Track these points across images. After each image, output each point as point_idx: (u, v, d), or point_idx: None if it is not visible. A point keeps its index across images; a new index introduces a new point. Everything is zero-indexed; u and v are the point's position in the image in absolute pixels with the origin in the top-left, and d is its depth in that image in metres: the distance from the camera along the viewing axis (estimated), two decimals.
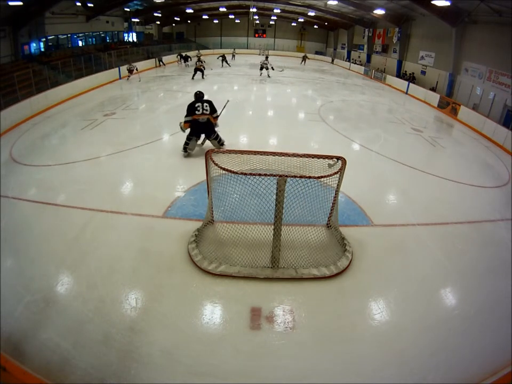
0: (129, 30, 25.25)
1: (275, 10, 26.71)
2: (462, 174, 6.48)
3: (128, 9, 22.91)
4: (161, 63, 20.62)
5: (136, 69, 15.55)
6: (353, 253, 3.74)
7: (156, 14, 25.71)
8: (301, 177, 3.35)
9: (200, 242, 3.73)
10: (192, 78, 15.52)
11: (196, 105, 5.92)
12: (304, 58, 26.65)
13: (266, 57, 17.58)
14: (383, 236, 4.25)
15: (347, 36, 27.66)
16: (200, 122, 5.96)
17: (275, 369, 2.53)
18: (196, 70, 15.73)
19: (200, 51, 23.63)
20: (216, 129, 6.29)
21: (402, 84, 17.02)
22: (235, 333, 2.80)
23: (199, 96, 6.11)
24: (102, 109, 9.98)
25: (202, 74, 15.79)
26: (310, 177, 3.33)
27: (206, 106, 5.98)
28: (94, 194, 4.84)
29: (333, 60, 30.26)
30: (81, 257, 3.55)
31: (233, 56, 27.18)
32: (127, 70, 15.31)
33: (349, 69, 25.25)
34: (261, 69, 17.33)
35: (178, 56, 21.87)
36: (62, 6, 15.47)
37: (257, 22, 33.29)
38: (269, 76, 17.06)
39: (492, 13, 10.63)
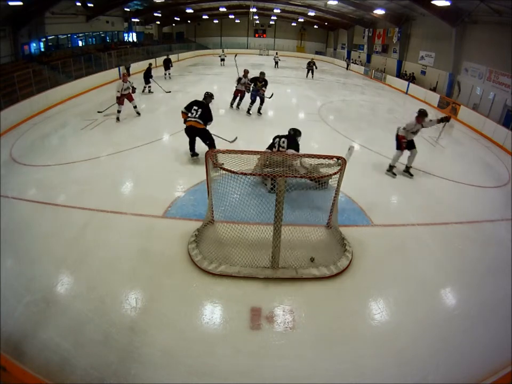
0: (129, 30, 25.24)
1: (275, 10, 26.72)
2: (462, 174, 6.48)
3: (128, 9, 22.89)
4: (126, 71, 14.59)
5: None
6: (353, 253, 3.74)
7: (156, 14, 25.73)
8: (301, 177, 3.36)
9: (200, 242, 3.73)
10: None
11: (274, 141, 4.91)
12: (312, 68, 17.71)
13: None
14: (383, 235, 4.25)
15: (347, 36, 27.64)
16: None
17: (275, 369, 2.53)
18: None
19: (225, 50, 21.74)
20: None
21: (402, 83, 17.02)
22: (235, 333, 2.80)
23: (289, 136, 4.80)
24: (102, 109, 9.96)
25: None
26: (310, 177, 3.34)
27: (284, 142, 4.79)
28: (94, 194, 4.84)
29: (348, 65, 24.92)
30: (81, 257, 3.55)
31: (276, 63, 21.58)
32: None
33: (349, 69, 25.26)
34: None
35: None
36: (62, 6, 15.44)
37: (257, 22, 33.31)
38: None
39: (492, 13, 10.63)
